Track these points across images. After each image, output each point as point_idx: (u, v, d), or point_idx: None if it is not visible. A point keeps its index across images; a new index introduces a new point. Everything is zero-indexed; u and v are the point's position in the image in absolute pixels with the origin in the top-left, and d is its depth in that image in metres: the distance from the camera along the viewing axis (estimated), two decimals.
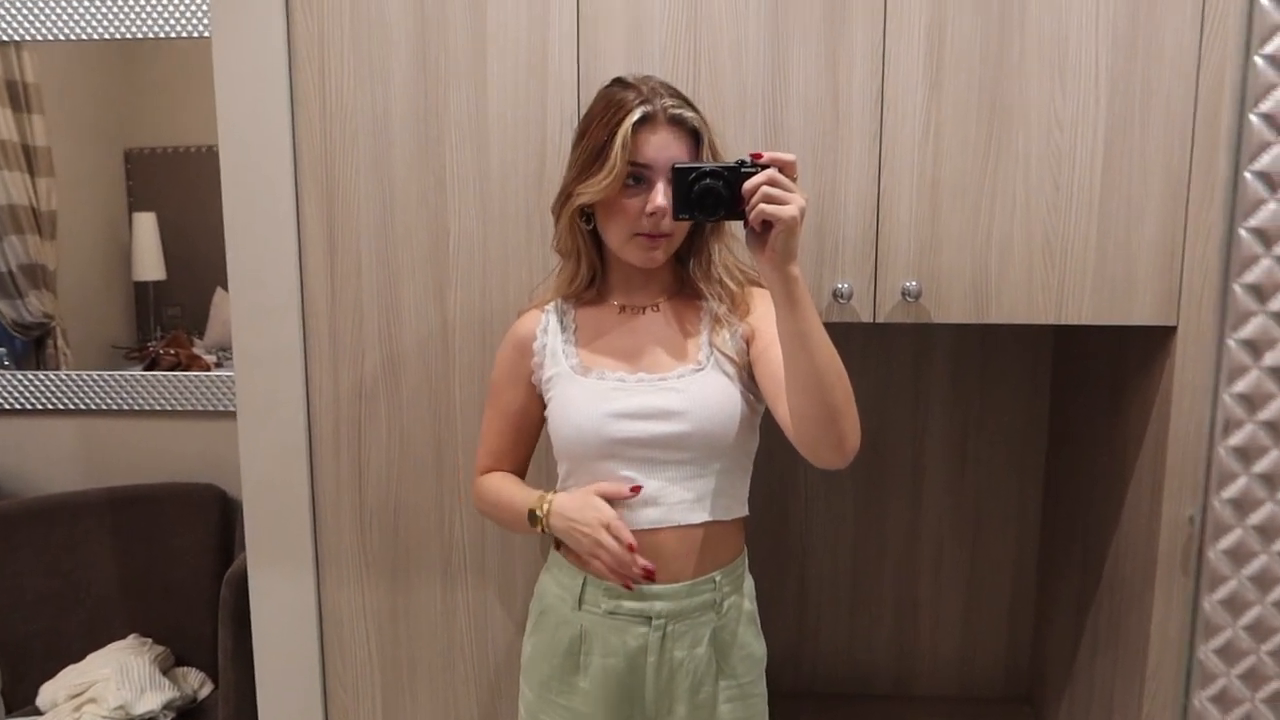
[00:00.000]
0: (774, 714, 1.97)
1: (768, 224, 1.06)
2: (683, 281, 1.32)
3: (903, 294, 1.45)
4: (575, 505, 1.22)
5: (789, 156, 1.08)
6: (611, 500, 1.21)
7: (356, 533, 1.61)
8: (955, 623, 2.03)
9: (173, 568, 2.14)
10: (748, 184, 1.07)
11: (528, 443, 1.37)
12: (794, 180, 1.07)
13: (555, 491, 1.29)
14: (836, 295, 1.46)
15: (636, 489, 1.22)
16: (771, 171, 1.07)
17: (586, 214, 1.25)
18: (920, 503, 2.00)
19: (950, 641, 2.04)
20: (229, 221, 1.55)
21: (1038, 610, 2.00)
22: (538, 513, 1.26)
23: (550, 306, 1.34)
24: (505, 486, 1.34)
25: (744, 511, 1.31)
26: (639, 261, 1.24)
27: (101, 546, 2.16)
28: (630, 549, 1.18)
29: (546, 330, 1.32)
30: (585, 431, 1.23)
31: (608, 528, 1.18)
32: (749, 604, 1.32)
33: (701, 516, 1.24)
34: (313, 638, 1.63)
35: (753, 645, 1.31)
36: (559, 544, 1.32)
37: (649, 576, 1.19)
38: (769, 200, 1.05)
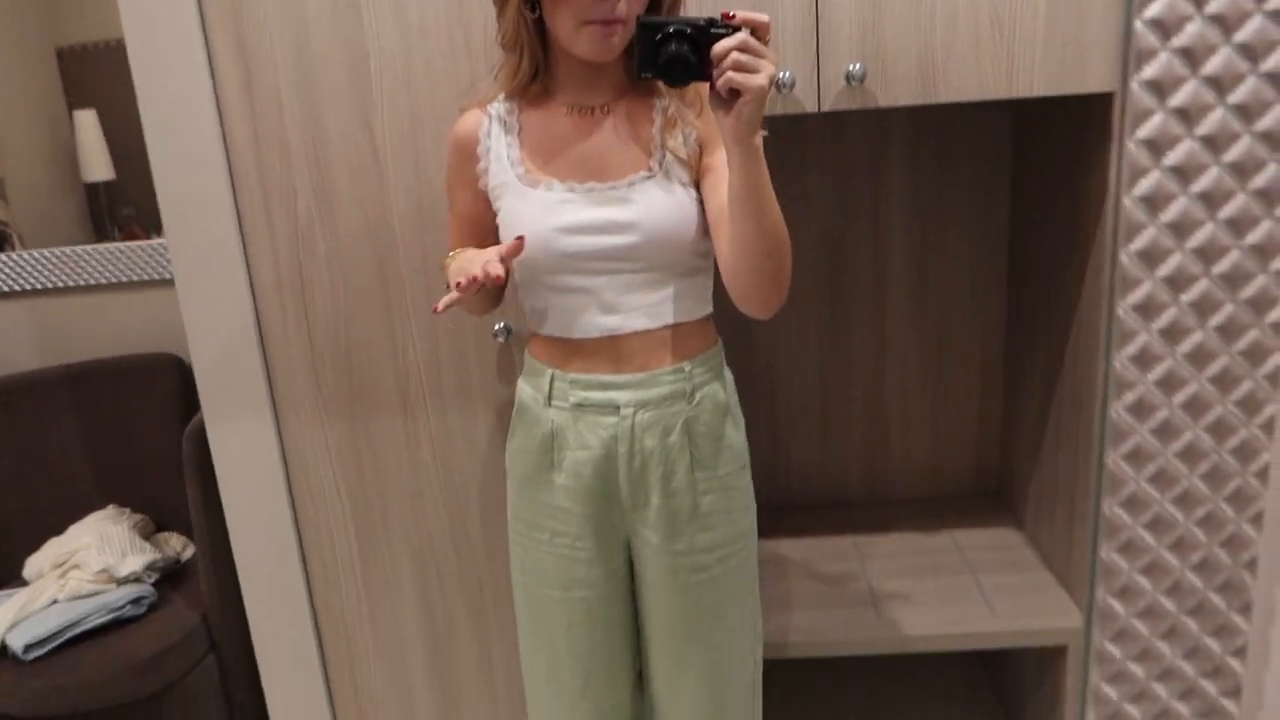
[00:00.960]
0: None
1: (735, 91, 1.01)
2: (633, 79, 1.24)
3: (847, 78, 1.39)
4: (471, 255, 1.17)
5: (762, 18, 1.02)
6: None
7: (310, 374, 1.58)
8: (925, 428, 2.05)
9: (139, 438, 2.13)
10: (717, 47, 1.01)
11: (490, 240, 1.31)
12: (766, 43, 1.01)
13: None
14: (779, 86, 1.40)
15: (520, 238, 1.15)
16: (743, 35, 1.00)
17: (532, 1, 1.16)
18: (885, 313, 1.99)
19: (921, 446, 2.06)
20: (135, 62, 1.46)
21: (1006, 408, 2.01)
22: (448, 263, 1.27)
23: (492, 107, 1.27)
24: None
25: (708, 310, 1.28)
26: (591, 54, 1.16)
27: (67, 423, 2.14)
28: (497, 279, 1.09)
29: (490, 134, 1.25)
30: (534, 247, 1.19)
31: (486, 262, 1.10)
32: (726, 396, 1.29)
33: (663, 320, 1.23)
34: (280, 485, 1.63)
35: (731, 437, 1.29)
36: (531, 344, 1.32)
37: (457, 286, 1.09)
38: (738, 68, 0.99)
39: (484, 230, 1.30)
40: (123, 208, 2.32)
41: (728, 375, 1.32)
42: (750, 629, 1.36)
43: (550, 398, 1.26)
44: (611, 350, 1.23)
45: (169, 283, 2.22)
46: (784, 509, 2.09)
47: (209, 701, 1.91)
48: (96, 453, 2.15)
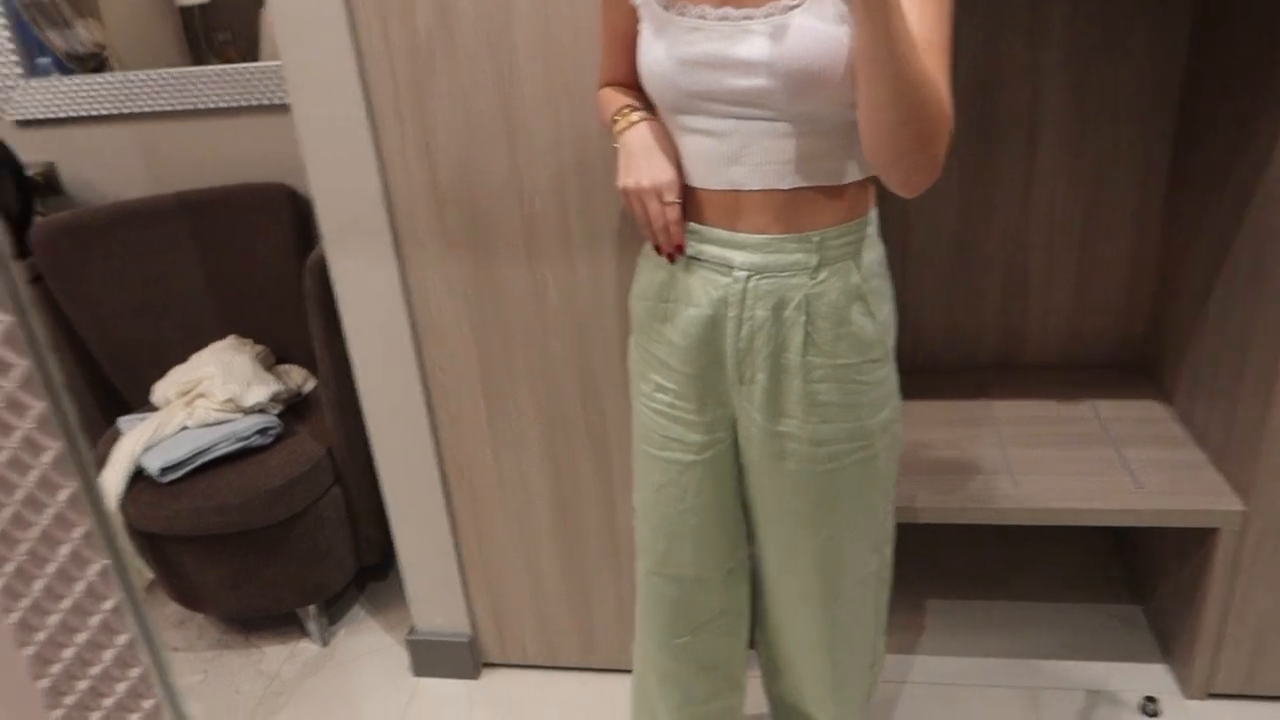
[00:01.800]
0: None
1: None
2: None
3: None
4: (642, 148, 1.13)
5: None
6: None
7: (432, 208, 1.51)
8: (1068, 290, 1.91)
9: (255, 269, 2.12)
10: None
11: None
12: None
13: (642, 116, 1.17)
14: None
15: (678, 204, 1.12)
16: None
17: None
18: (1034, 163, 1.82)
19: (1062, 309, 1.93)
20: None
21: (1160, 274, 1.85)
22: (618, 121, 1.17)
23: None
24: (606, 98, 1.24)
25: (856, 175, 1.09)
26: None
27: (184, 252, 2.14)
28: (675, 224, 1.11)
29: None
30: (659, 79, 1.07)
31: (659, 196, 1.11)
32: (861, 278, 1.12)
33: (793, 180, 1.07)
34: (403, 322, 1.59)
35: (860, 324, 1.12)
36: None
37: (670, 255, 1.14)
38: None
39: (630, 51, 1.17)
40: (218, 32, 2.23)
41: (870, 255, 1.14)
42: (873, 525, 1.25)
43: None
44: (732, 205, 1.10)
45: (274, 108, 2.15)
46: (909, 372, 1.99)
47: (335, 531, 1.96)
48: (214, 283, 2.15)
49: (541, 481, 1.69)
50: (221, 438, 1.88)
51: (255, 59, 2.20)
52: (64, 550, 0.67)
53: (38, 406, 0.63)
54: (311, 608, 2.03)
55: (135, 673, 0.70)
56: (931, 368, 2.00)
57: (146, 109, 2.20)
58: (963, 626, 1.92)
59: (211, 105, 2.17)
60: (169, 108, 2.20)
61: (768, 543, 1.28)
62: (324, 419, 1.97)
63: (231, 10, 2.19)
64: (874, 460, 1.19)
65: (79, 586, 0.68)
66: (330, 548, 1.96)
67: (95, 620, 0.69)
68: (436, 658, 1.90)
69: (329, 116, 1.47)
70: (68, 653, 0.70)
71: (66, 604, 0.69)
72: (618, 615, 1.79)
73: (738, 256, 1.10)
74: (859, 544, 1.24)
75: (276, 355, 2.16)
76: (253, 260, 2.13)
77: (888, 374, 1.18)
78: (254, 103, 2.16)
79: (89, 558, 0.68)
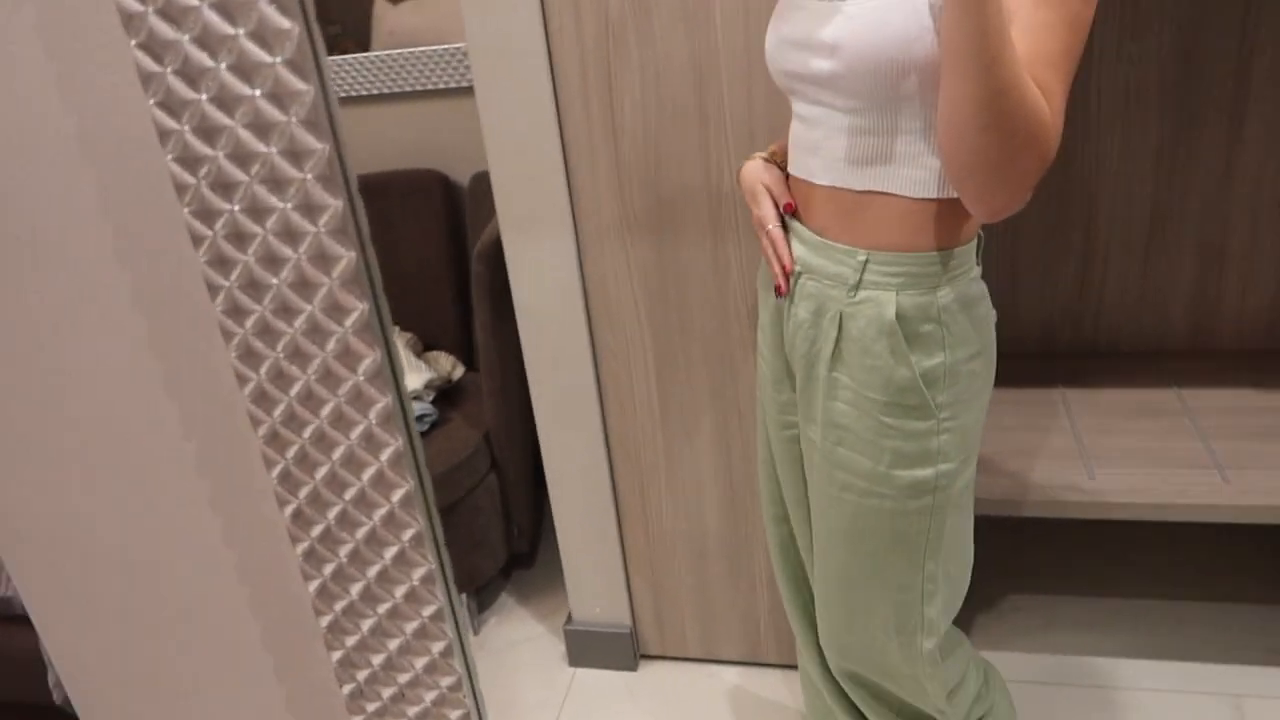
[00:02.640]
0: (1055, 374, 1.85)
1: None
2: None
3: None
4: (749, 181, 1.14)
5: None
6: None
7: (615, 189, 1.47)
8: (1271, 268, 1.77)
9: (403, 257, 2.11)
10: None
11: None
12: None
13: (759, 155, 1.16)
14: None
15: (790, 207, 1.10)
16: None
17: None
18: (1241, 133, 1.69)
19: (1264, 290, 1.79)
20: None
21: None
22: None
23: None
24: None
25: (936, 190, 0.96)
26: None
27: None
28: (784, 266, 1.09)
29: None
30: (768, 58, 1.05)
31: (767, 233, 1.11)
32: (902, 315, 0.99)
33: (865, 183, 0.98)
34: (578, 306, 1.56)
35: (885, 362, 1.00)
36: None
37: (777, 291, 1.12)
38: None
39: None
40: (328, 26, 2.24)
41: (938, 300, 0.99)
42: (897, 596, 1.11)
43: None
44: (806, 196, 1.06)
45: (426, 93, 2.14)
46: (1089, 356, 1.89)
47: (490, 518, 1.94)
48: None
49: (712, 470, 1.64)
50: None
51: (367, 49, 2.19)
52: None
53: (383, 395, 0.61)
54: (463, 596, 2.02)
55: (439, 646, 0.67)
56: (1110, 351, 1.88)
57: None
58: (1163, 627, 1.81)
59: (355, 93, 2.18)
60: None
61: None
62: (477, 406, 1.96)
63: (340, 4, 2.19)
64: (903, 517, 1.06)
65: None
66: (485, 535, 1.95)
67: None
68: (594, 648, 1.87)
69: (514, 99, 1.43)
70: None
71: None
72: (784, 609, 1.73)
73: (799, 250, 1.08)
74: (882, 608, 1.13)
75: (424, 343, 2.15)
76: (402, 246, 2.12)
77: (933, 430, 1.02)
78: (402, 89, 2.15)
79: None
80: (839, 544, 1.13)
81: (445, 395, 2.06)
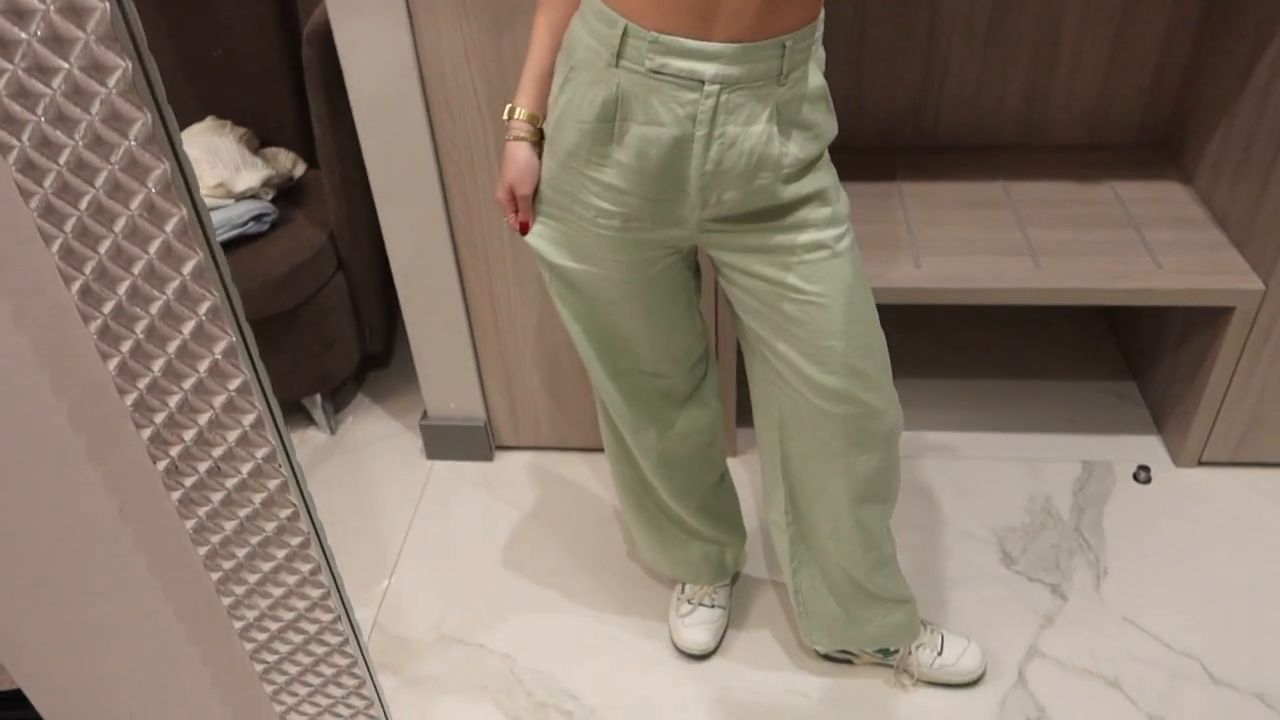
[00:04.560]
0: (895, 168, 1.91)
1: None
2: None
3: None
4: (512, 173, 1.15)
5: None
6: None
7: None
8: (1097, 68, 1.84)
9: (231, 44, 1.95)
10: None
11: None
12: None
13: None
14: None
15: (525, 229, 1.19)
16: None
17: None
18: None
19: (1089, 88, 1.87)
20: None
21: (1193, 55, 1.79)
22: (513, 110, 1.15)
23: None
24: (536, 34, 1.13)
25: None
26: None
27: (155, 25, 1.96)
28: (514, 210, 1.17)
29: None
30: None
31: (511, 189, 1.16)
32: (818, 78, 1.06)
33: None
34: (415, 90, 1.49)
35: (823, 124, 1.09)
36: None
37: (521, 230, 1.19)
38: None
39: None
40: None
41: (821, 53, 1.08)
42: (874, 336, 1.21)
43: (620, 56, 1.02)
44: (705, 8, 0.97)
45: None
46: (929, 150, 1.95)
47: (340, 319, 1.92)
48: (187, 59, 1.99)
49: None
50: (216, 225, 1.79)
51: None
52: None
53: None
54: (318, 396, 2.02)
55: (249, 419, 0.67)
56: (948, 145, 1.95)
57: None
58: (968, 402, 1.98)
59: None
60: None
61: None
62: (321, 204, 1.89)
63: None
64: (856, 251, 1.16)
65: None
66: (336, 336, 1.93)
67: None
68: (450, 441, 1.92)
69: None
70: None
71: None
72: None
73: (709, 69, 1.00)
74: (880, 341, 1.22)
75: (260, 138, 2.03)
76: (224, 33, 1.96)
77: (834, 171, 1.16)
78: None
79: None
80: (857, 290, 1.15)
81: (288, 194, 1.97)
